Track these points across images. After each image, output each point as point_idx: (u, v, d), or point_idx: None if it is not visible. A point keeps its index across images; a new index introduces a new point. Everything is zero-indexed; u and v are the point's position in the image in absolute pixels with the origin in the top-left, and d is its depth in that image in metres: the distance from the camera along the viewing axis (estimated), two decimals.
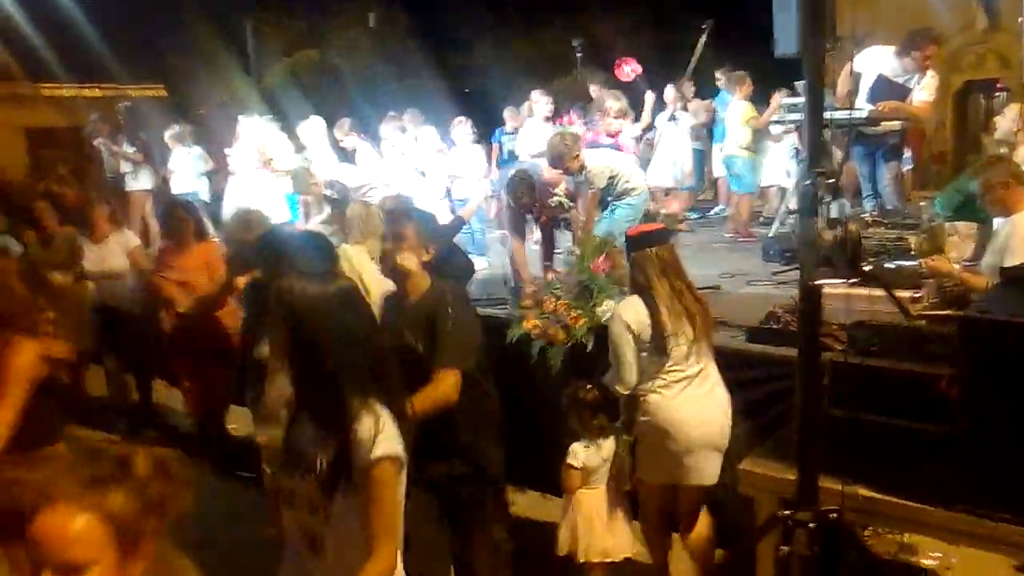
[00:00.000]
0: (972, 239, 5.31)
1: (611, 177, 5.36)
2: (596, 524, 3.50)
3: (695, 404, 3.26)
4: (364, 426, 1.84)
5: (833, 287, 2.70)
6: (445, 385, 2.85)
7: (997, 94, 16.30)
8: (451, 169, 7.52)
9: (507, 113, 8.78)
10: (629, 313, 3.28)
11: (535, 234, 6.09)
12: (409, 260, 3.07)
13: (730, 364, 3.99)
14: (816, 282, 2.12)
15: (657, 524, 3.53)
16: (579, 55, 6.29)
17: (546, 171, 5.51)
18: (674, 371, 3.25)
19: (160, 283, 5.05)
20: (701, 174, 9.34)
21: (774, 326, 4.05)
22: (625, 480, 3.61)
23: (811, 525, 2.40)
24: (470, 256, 5.76)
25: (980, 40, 18.42)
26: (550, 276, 4.93)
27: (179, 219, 5.15)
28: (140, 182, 8.50)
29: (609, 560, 3.49)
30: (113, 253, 5.53)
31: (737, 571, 3.38)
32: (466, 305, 3.23)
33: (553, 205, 5.41)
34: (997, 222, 4.34)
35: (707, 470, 3.28)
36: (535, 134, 7.60)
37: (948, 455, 2.72)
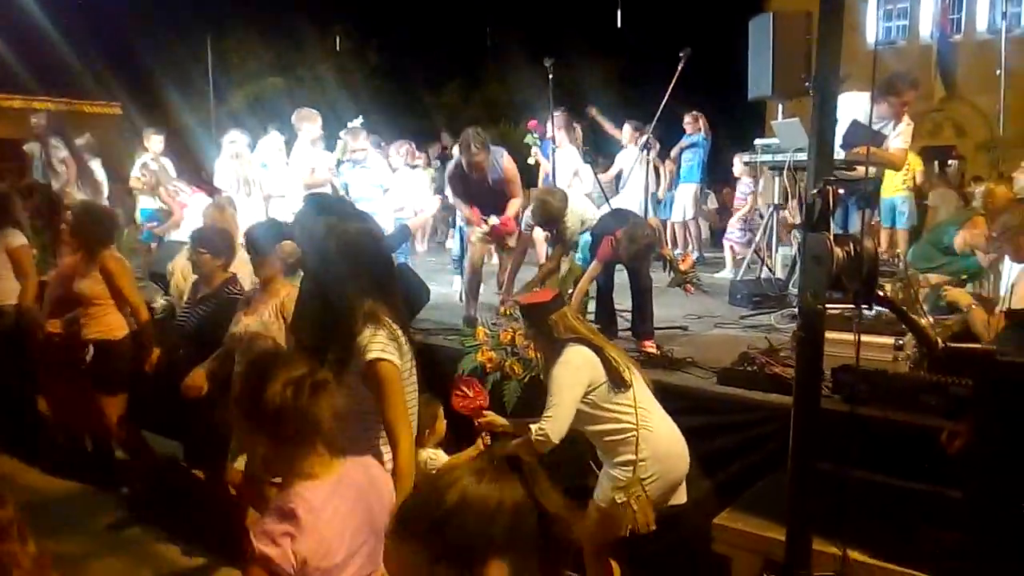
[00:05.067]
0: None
1: (582, 221, 5.14)
2: None
3: (671, 427, 3.19)
4: (363, 337, 2.31)
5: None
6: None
7: (951, 162, 16.71)
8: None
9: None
10: (579, 358, 3.11)
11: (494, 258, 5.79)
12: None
13: (700, 408, 3.70)
14: (824, 306, 1.81)
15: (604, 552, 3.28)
16: (550, 76, 6.04)
17: None
18: (643, 404, 3.13)
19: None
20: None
21: (748, 368, 3.76)
22: None
23: None
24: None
25: (937, 108, 18.97)
26: (507, 307, 4.61)
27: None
28: (73, 192, 7.95)
29: None
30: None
31: None
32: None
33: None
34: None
35: (683, 488, 3.21)
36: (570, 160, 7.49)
37: (949, 518, 2.42)
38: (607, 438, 3.10)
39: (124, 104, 18.72)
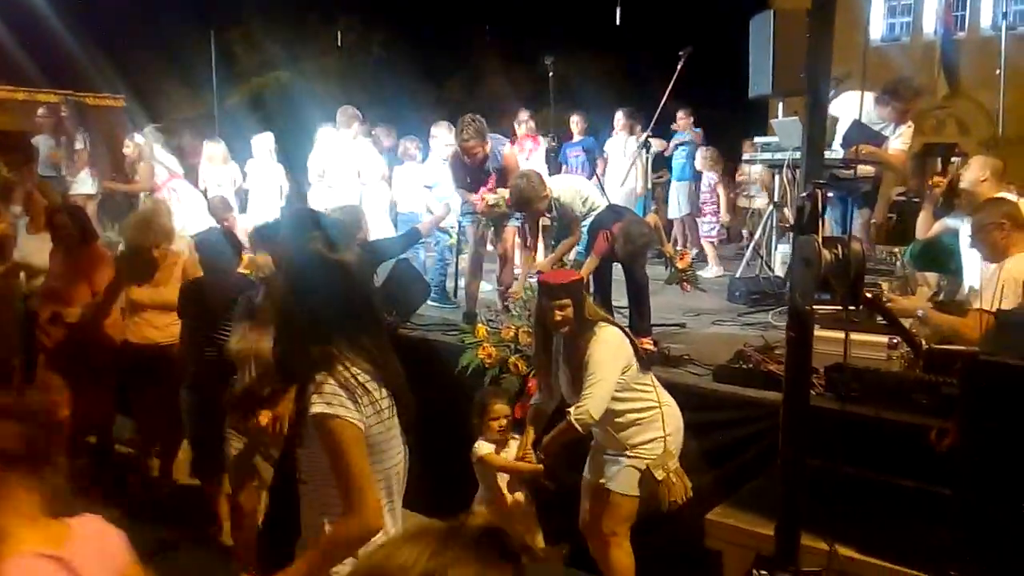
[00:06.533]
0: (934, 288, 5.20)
1: (582, 200, 5.05)
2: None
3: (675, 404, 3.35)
4: (311, 385, 1.93)
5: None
6: None
7: (954, 159, 16.60)
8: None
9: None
10: (616, 338, 3.19)
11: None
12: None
13: (695, 404, 3.73)
14: (812, 306, 1.85)
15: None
16: (551, 74, 6.07)
17: None
18: (658, 383, 3.31)
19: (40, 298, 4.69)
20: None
21: (744, 366, 3.80)
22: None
23: None
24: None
25: (941, 105, 18.93)
26: (509, 301, 4.66)
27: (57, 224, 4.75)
28: (82, 186, 8.02)
29: None
30: (39, 250, 5.13)
31: None
32: None
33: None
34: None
35: None
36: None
37: (938, 515, 2.45)
38: (632, 416, 3.19)
39: (127, 96, 18.75)
